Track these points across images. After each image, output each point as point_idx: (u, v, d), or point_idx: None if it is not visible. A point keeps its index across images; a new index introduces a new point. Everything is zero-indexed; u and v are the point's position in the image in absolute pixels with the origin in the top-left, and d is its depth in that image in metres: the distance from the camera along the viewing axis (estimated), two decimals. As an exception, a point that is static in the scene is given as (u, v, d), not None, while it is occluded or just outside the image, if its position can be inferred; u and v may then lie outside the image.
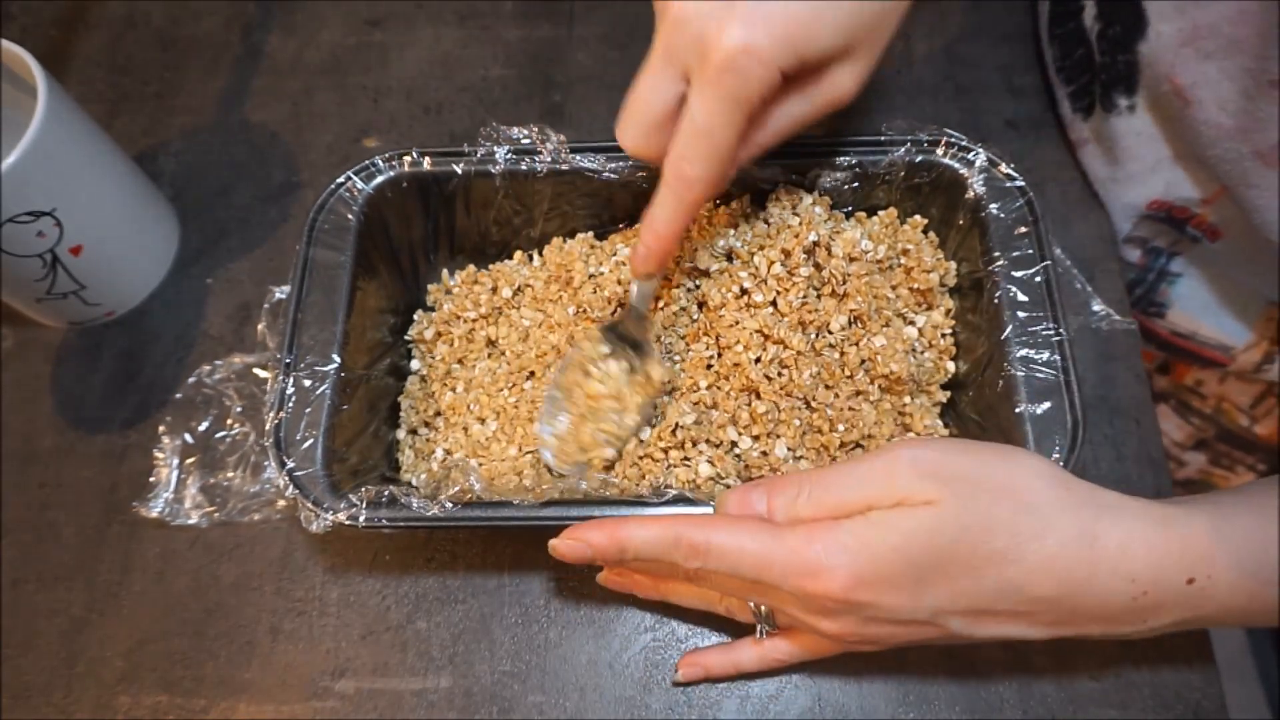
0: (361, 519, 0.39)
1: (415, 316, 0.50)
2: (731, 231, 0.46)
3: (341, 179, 0.47)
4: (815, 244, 0.45)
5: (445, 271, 0.51)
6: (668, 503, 0.39)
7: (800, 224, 0.46)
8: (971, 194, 0.45)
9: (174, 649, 0.45)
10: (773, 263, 0.45)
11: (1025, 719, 0.42)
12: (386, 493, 0.40)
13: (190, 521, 0.46)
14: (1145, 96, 0.48)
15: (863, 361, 0.44)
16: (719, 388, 0.44)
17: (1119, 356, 0.49)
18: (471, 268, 0.51)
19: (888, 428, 0.44)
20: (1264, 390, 0.56)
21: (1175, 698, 0.42)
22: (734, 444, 0.43)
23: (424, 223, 0.49)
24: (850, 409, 0.43)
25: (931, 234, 0.48)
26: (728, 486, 0.42)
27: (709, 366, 0.45)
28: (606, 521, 0.37)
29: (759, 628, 0.40)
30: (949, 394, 0.46)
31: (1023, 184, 0.45)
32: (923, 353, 0.46)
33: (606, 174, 0.47)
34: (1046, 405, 0.40)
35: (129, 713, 0.44)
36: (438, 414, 0.47)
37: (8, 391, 0.52)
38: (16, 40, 0.46)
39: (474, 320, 0.49)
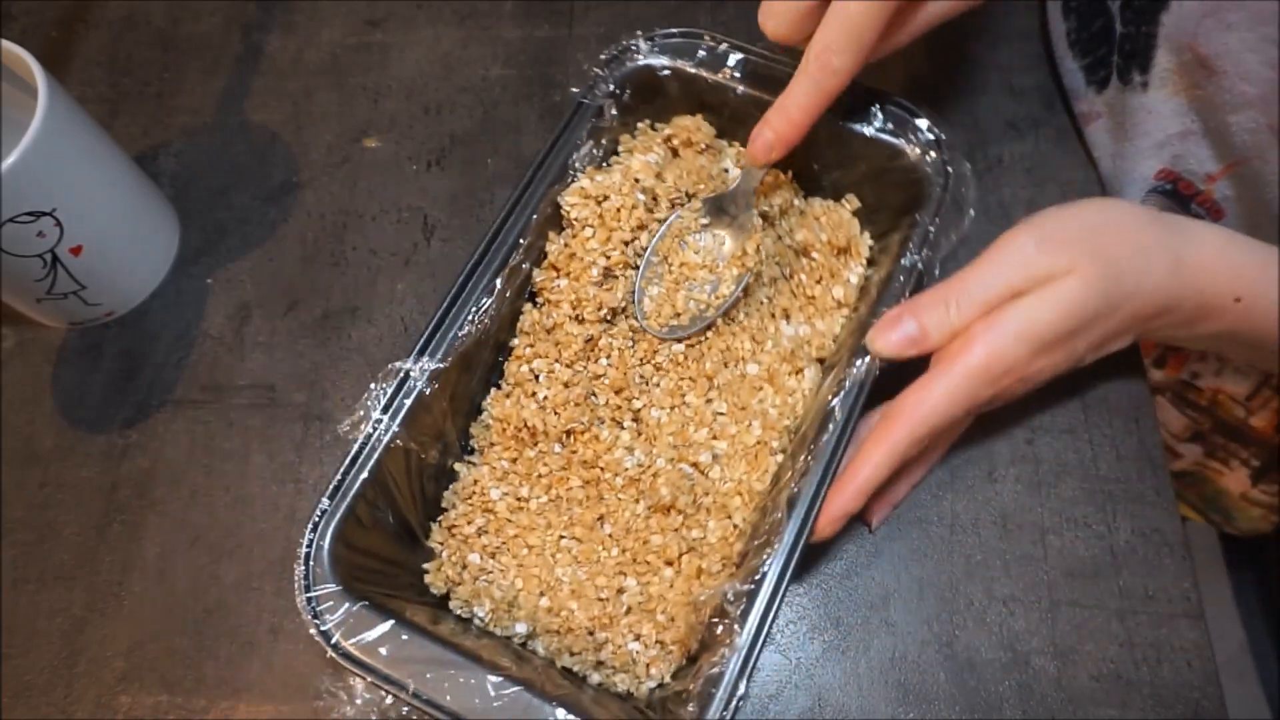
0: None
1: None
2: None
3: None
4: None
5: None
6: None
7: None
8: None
9: (174, 649, 0.45)
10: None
11: (1025, 719, 0.42)
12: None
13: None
14: (1163, 69, 0.48)
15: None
16: None
17: (1118, 356, 0.49)
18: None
19: None
20: (1260, 382, 0.56)
21: (1175, 698, 0.42)
22: None
23: None
24: None
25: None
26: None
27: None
28: (845, 483, 0.38)
29: None
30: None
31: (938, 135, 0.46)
32: None
33: None
34: None
35: (129, 713, 0.44)
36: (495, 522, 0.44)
37: (8, 391, 0.52)
38: (16, 40, 0.46)
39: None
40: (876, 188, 0.48)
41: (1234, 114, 0.44)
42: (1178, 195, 0.51)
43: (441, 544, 0.44)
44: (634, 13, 0.62)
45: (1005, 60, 0.58)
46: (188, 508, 0.49)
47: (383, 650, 0.37)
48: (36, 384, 0.53)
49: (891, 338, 0.39)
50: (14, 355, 0.54)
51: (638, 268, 0.46)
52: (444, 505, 0.45)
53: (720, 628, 0.37)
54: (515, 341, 0.47)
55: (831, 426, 0.40)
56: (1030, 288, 0.38)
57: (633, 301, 0.45)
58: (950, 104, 0.57)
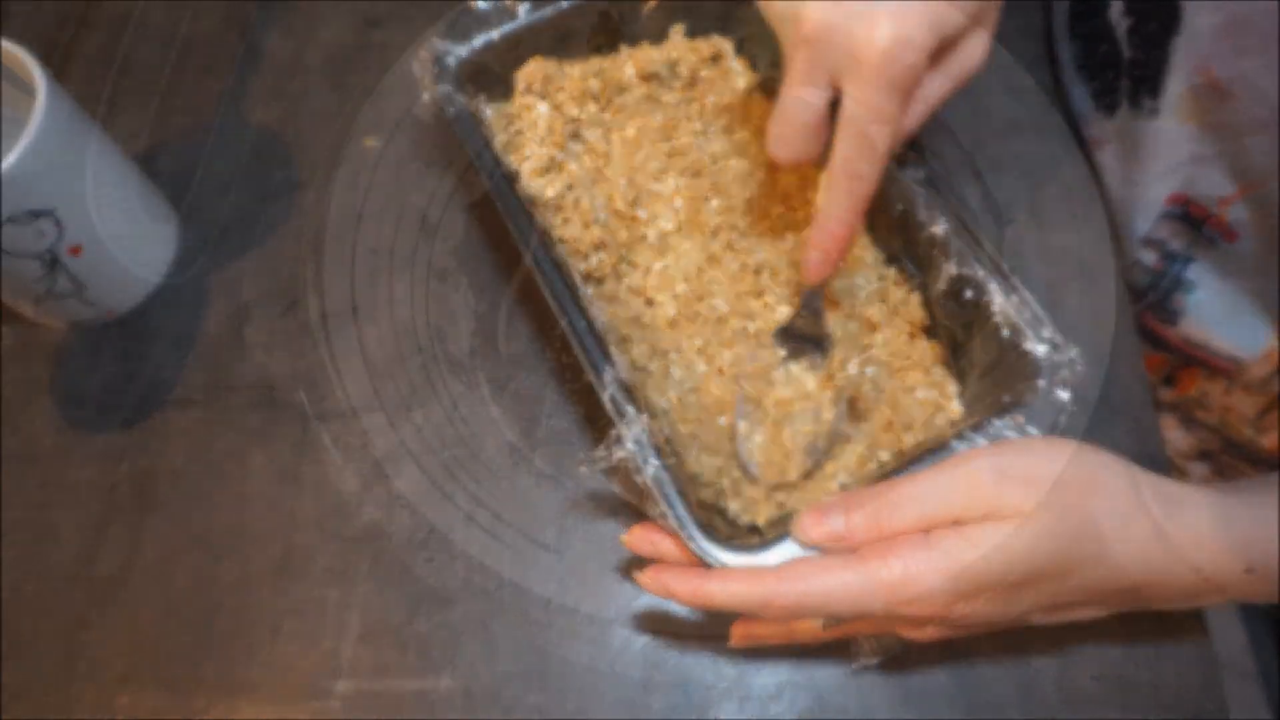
0: None
1: None
2: None
3: None
4: None
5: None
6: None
7: None
8: None
9: (174, 649, 0.45)
10: None
11: (1025, 719, 0.42)
12: None
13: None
14: (1174, 93, 0.47)
15: None
16: None
17: (1119, 356, 0.49)
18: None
19: None
20: (1270, 402, 0.56)
21: (1175, 698, 0.42)
22: None
23: None
24: None
25: None
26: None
27: None
28: (691, 572, 0.36)
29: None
30: None
31: None
32: None
33: None
34: None
35: (129, 713, 0.44)
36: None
37: (8, 391, 0.52)
38: (16, 40, 0.46)
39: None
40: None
41: (1248, 137, 0.44)
42: (1189, 219, 0.50)
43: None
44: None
45: (1005, 60, 0.58)
46: (188, 508, 0.49)
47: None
48: (36, 384, 0.53)
49: (813, 533, 0.36)
50: (14, 355, 0.54)
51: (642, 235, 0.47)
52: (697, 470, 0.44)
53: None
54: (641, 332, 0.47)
55: None
56: (973, 519, 0.34)
57: (739, 458, 0.43)
58: (950, 104, 0.57)
